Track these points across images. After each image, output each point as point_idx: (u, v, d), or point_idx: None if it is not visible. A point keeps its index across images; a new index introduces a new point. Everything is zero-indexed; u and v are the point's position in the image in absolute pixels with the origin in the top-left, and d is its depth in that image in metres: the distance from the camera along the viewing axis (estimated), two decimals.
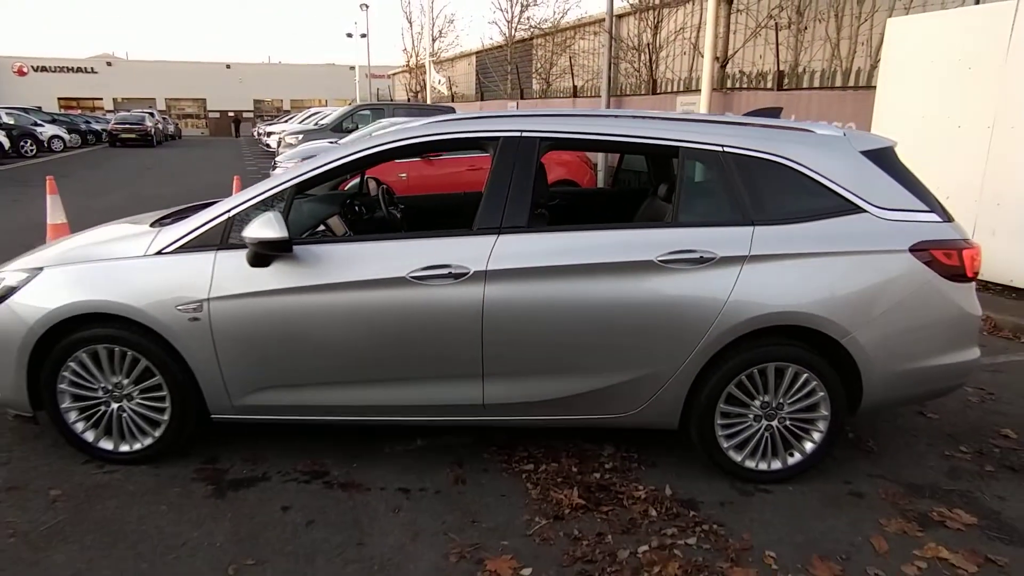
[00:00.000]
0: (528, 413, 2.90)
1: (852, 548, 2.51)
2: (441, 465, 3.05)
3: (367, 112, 14.63)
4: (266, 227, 2.61)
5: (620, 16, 12.52)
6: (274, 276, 2.75)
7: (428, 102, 18.92)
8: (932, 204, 2.92)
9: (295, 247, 2.75)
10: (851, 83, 7.63)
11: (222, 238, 2.82)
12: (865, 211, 2.84)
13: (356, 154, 2.95)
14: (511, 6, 16.92)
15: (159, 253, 2.83)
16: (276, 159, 10.69)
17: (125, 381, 2.88)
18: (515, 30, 17.01)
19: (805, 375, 2.83)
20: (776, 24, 8.32)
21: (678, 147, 2.90)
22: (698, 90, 10.17)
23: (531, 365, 2.81)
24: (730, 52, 9.71)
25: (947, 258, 2.82)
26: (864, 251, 2.79)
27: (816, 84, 8.03)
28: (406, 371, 2.82)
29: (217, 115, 45.49)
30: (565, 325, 2.76)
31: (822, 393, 2.85)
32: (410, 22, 25.89)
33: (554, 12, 21.22)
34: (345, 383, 2.85)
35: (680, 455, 3.13)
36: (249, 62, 49.38)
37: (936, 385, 2.99)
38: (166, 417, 2.91)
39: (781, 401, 2.87)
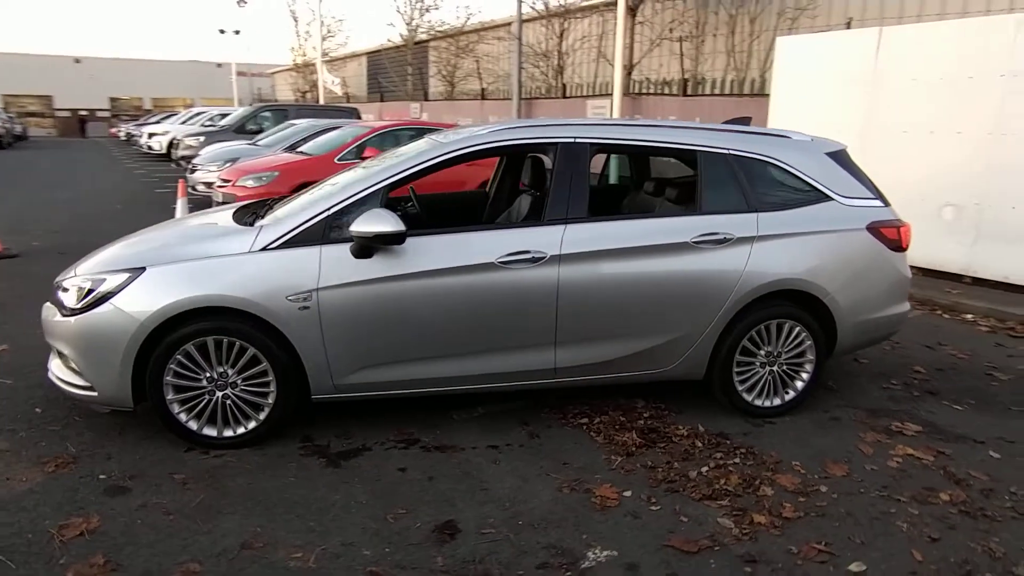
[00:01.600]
0: (590, 373, 3.47)
1: (848, 454, 3.32)
2: (511, 425, 3.53)
3: (268, 113, 14.37)
4: (384, 222, 2.98)
5: (525, 22, 13.24)
6: (376, 265, 3.12)
7: (321, 102, 18.71)
8: (876, 193, 3.83)
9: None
10: (748, 91, 8.83)
11: (324, 233, 3.13)
12: (833, 199, 3.68)
13: (439, 157, 3.38)
14: (410, 9, 17.20)
15: (264, 249, 3.10)
16: (194, 161, 10.36)
17: (231, 370, 3.11)
18: (415, 32, 17.28)
19: (797, 328, 3.62)
20: (680, 37, 9.40)
21: (696, 151, 3.59)
22: (606, 94, 11.13)
23: (594, 332, 3.39)
24: (634, 60, 10.71)
25: (891, 234, 3.73)
26: (835, 230, 3.63)
27: (717, 91, 9.18)
28: (493, 343, 3.30)
29: (68, 114, 41.21)
30: (621, 297, 3.36)
31: (809, 342, 3.66)
32: (296, 20, 25.26)
33: (456, 16, 21.59)
34: (439, 358, 3.27)
35: (697, 403, 3.82)
36: (102, 56, 45.28)
37: (884, 331, 3.91)
38: (270, 401, 3.17)
39: (780, 350, 3.65)
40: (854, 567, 2.48)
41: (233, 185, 8.21)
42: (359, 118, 14.64)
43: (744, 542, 2.61)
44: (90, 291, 3.04)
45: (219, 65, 38.95)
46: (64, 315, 3.10)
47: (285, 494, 2.85)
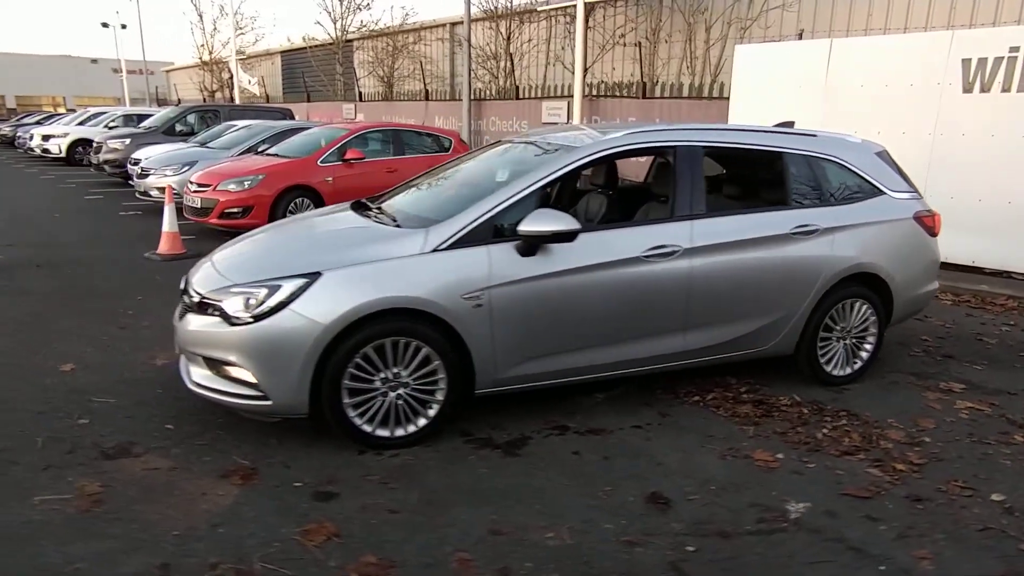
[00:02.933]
0: (709, 355, 3.83)
1: (925, 410, 3.89)
2: (636, 408, 3.82)
3: (193, 115, 13.62)
4: (560, 221, 3.17)
5: (462, 24, 13.38)
6: (539, 262, 3.30)
7: (236, 102, 17.82)
8: (912, 187, 4.45)
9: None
10: (705, 95, 9.55)
11: (489, 233, 3.27)
12: (885, 193, 4.26)
13: (585, 158, 3.58)
14: (340, 7, 16.76)
15: (435, 251, 3.19)
16: (143, 165, 9.68)
17: (405, 371, 3.18)
18: (345, 31, 16.87)
19: (865, 306, 4.17)
20: (638, 43, 9.97)
21: (783, 152, 4.04)
22: (561, 96, 11.56)
23: (716, 316, 3.75)
24: (588, 64, 11.20)
25: (929, 222, 4.37)
26: (890, 220, 4.21)
27: (676, 94, 9.85)
28: (636, 331, 3.57)
29: None
30: (736, 284, 3.75)
31: (873, 317, 4.22)
32: (200, 15, 23.67)
33: (392, 16, 21.00)
34: (589, 347, 3.50)
35: (773, 377, 4.26)
36: None
37: (922, 305, 4.56)
38: (439, 398, 3.27)
39: (851, 326, 4.18)
40: (995, 497, 2.99)
41: (214, 190, 7.84)
42: (293, 118, 14.20)
43: (899, 486, 3.06)
44: (267, 297, 3.01)
45: (94, 61, 35.70)
46: (235, 323, 3.03)
47: (489, 483, 2.99)
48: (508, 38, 12.20)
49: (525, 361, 3.39)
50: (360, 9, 16.58)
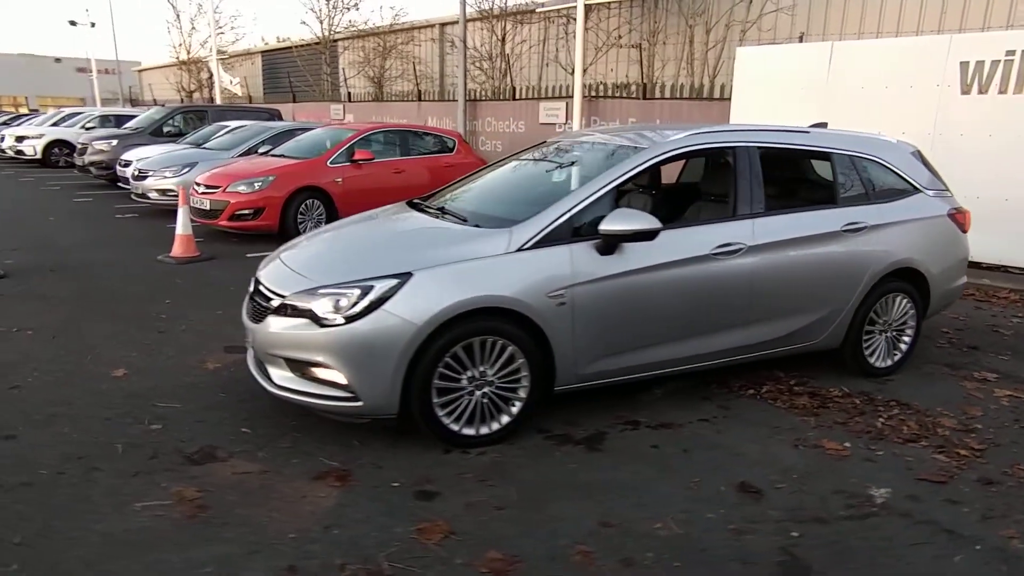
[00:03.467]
0: (767, 349, 3.94)
1: (967, 399, 4.06)
2: (696, 402, 3.90)
3: (180, 116, 13.37)
4: (642, 220, 3.23)
5: (453, 23, 13.38)
6: (617, 261, 3.36)
7: (218, 101, 17.46)
8: (944, 185, 4.64)
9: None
10: (705, 95, 9.73)
11: (570, 232, 3.32)
12: (921, 191, 4.43)
13: (655, 158, 3.66)
14: (327, 7, 16.56)
15: (520, 249, 3.23)
16: (140, 167, 9.46)
17: (491, 370, 3.20)
18: (332, 31, 16.67)
19: (906, 300, 4.33)
20: (639, 44, 10.12)
21: (831, 152, 4.17)
22: (559, 97, 11.64)
23: (775, 311, 3.86)
24: (585, 65, 11.31)
25: (961, 219, 4.55)
26: (928, 217, 4.37)
27: (676, 95, 10.01)
28: (704, 327, 3.66)
29: None
30: (794, 279, 3.87)
31: (912, 311, 4.38)
32: (178, 14, 23.07)
33: (381, 16, 20.64)
34: (661, 343, 3.57)
35: (816, 370, 4.40)
36: None
37: (953, 298, 4.74)
38: (522, 396, 3.30)
39: (892, 319, 4.33)
40: None
41: (224, 191, 7.71)
42: (280, 119, 14.03)
43: (967, 470, 3.21)
44: (360, 298, 3.01)
45: (58, 60, 34.59)
46: (326, 325, 3.02)
47: (582, 478, 3.04)
48: (503, 39, 12.23)
49: (602, 358, 3.45)
50: (348, 9, 16.40)
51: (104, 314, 5.20)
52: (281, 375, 3.22)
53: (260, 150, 9.47)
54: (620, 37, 10.91)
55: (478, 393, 3.22)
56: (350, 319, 3.00)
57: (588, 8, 9.92)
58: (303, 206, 7.99)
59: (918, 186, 4.43)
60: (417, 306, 3.02)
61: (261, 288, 3.44)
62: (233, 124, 11.34)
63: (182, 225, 6.98)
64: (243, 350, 4.48)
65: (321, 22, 16.56)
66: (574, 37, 11.93)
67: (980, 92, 7.49)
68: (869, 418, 3.74)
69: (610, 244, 3.33)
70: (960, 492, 3.01)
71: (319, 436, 3.32)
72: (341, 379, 3.06)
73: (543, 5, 10.78)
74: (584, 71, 11.42)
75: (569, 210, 3.36)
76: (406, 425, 3.21)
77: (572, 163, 4.10)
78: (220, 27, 18.01)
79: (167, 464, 3.04)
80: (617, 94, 10.68)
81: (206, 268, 6.80)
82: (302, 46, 17.49)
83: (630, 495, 2.92)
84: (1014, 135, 7.25)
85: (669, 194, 4.58)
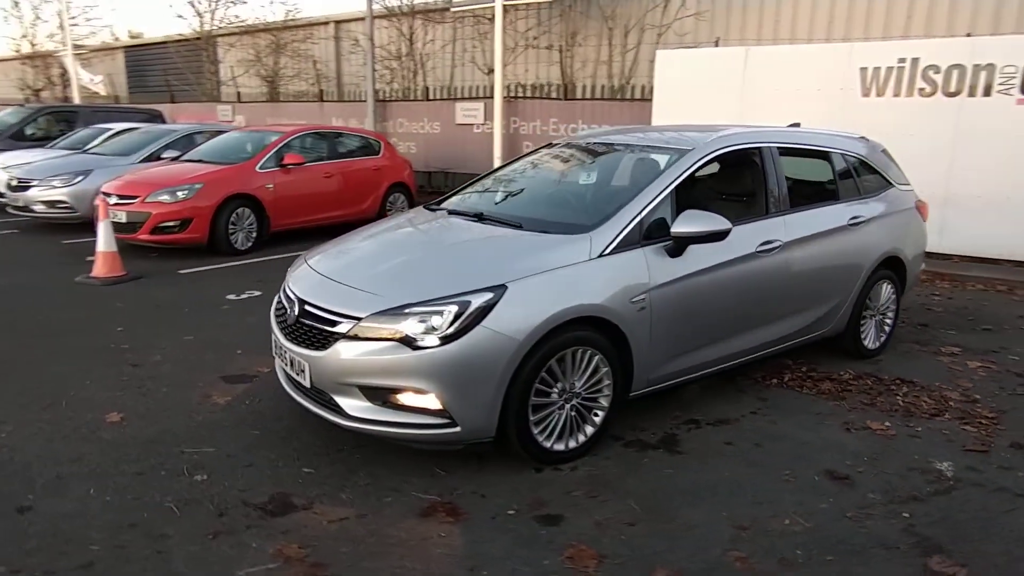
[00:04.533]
0: (791, 339, 4.14)
1: (951, 372, 4.49)
2: (736, 395, 4.02)
3: (44, 118, 11.77)
4: (714, 221, 3.25)
5: (351, 21, 12.84)
6: (684, 263, 3.37)
7: (76, 100, 15.44)
8: (907, 179, 5.10)
9: None
10: (627, 96, 10.05)
11: (640, 236, 3.27)
12: (894, 186, 4.85)
13: (701, 160, 3.68)
14: (209, 1, 15.11)
15: (602, 255, 3.13)
16: (19, 176, 8.16)
17: (578, 382, 3.09)
18: (214, 27, 15.27)
19: (890, 285, 4.72)
20: (560, 46, 10.22)
21: (830, 152, 4.45)
22: (474, 97, 11.52)
23: (801, 304, 4.06)
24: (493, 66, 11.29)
25: (923, 210, 5.04)
26: (903, 210, 4.80)
27: (597, 96, 10.25)
28: (750, 322, 3.77)
29: None
30: (815, 272, 4.09)
31: (894, 295, 4.78)
32: (16, 1, 19.86)
33: (273, 11, 18.78)
34: (716, 341, 3.63)
35: (814, 356, 4.68)
36: None
37: (917, 282, 5.23)
38: (605, 404, 3.22)
39: (881, 304, 4.70)
40: None
41: (143, 202, 6.86)
42: (163, 120, 12.77)
43: (996, 438, 3.55)
44: (458, 315, 2.77)
45: None
46: (419, 347, 2.76)
47: (684, 482, 3.02)
48: (411, 38, 11.88)
49: (670, 360, 3.44)
50: (233, 3, 15.04)
51: (51, 350, 4.44)
52: (357, 405, 2.91)
53: (164, 155, 8.54)
54: (536, 38, 10.99)
55: (567, 406, 3.11)
56: (447, 339, 2.76)
57: (504, 9, 9.87)
58: (234, 215, 7.30)
59: (892, 181, 4.84)
60: (516, 320, 2.84)
61: (311, 309, 3.07)
62: (117, 127, 10.15)
63: (104, 242, 6.12)
64: (245, 378, 4.04)
65: (201, 16, 15.18)
66: (486, 38, 11.89)
67: (877, 95, 8.34)
68: (888, 397, 4.04)
69: (681, 246, 3.33)
70: (1005, 458, 3.33)
71: (394, 468, 3.05)
72: (435, 404, 2.81)
73: (455, 4, 10.60)
74: (494, 72, 11.41)
75: (639, 214, 3.32)
76: (481, 447, 3.01)
77: (606, 166, 4.07)
78: (73, 17, 15.94)
79: (243, 520, 2.64)
80: (537, 95, 10.75)
81: (139, 289, 6.02)
82: (177, 41, 15.93)
83: (740, 494, 2.94)
84: (907, 135, 8.14)
85: (705, 195, 4.65)
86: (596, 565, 2.43)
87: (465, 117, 11.47)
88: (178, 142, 9.06)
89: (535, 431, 3.01)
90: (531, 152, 4.67)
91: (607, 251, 3.17)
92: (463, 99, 11.43)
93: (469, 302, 2.81)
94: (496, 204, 3.98)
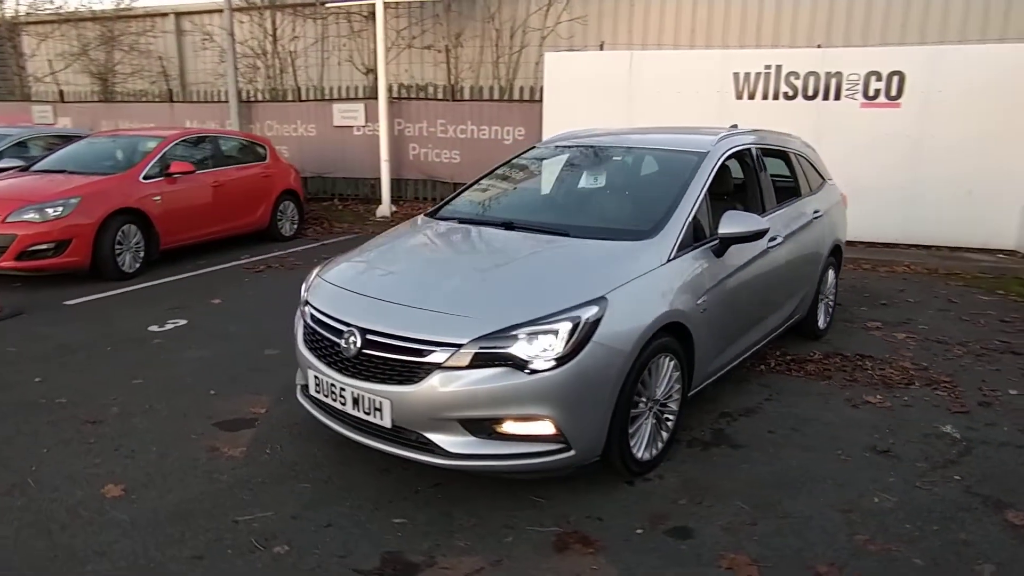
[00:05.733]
0: (783, 325, 4.43)
1: (890, 344, 5.07)
2: (742, 385, 4.21)
3: None
4: (755, 221, 3.37)
5: (196, 13, 11.57)
6: (726, 262, 3.46)
7: None
8: (830, 175, 5.68)
9: None
10: (516, 97, 10.11)
11: (691, 237, 3.30)
12: (827, 182, 5.38)
13: (719, 161, 3.76)
14: None
15: (670, 260, 3.12)
16: None
17: (659, 389, 3.05)
18: (16, 12, 12.73)
19: (832, 270, 5.24)
20: (446, 46, 9.98)
21: (789, 151, 4.81)
22: (351, 98, 10.94)
23: (791, 292, 4.39)
24: (374, 66, 10.86)
25: (845, 201, 5.64)
26: (837, 202, 5.34)
27: (484, 97, 10.18)
28: (765, 312, 4.01)
29: None
30: (799, 261, 4.43)
31: (835, 278, 5.31)
32: None
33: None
34: (738, 337, 3.77)
35: (782, 342, 5.06)
36: None
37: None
38: (675, 408, 3.22)
39: (828, 288, 5.20)
40: (1011, 391, 4.20)
41: (4, 222, 5.62)
42: None
43: (962, 397, 4.07)
44: (572, 332, 2.60)
45: None
46: (536, 369, 2.55)
47: (762, 473, 3.13)
48: (275, 34, 10.92)
49: (714, 358, 3.53)
50: None
51: None
52: (459, 441, 2.63)
53: (53, 168, 7.02)
54: (415, 38, 10.66)
55: (650, 415, 3.06)
56: (562, 359, 2.59)
57: (373, 7, 9.52)
58: (120, 233, 6.25)
59: (825, 176, 5.37)
60: (622, 333, 2.74)
61: (381, 339, 2.71)
62: None
63: None
64: (243, 423, 3.52)
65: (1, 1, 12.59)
66: (360, 36, 11.33)
67: (749, 98, 9.18)
68: (862, 372, 4.47)
69: (725, 247, 3.42)
70: (985, 416, 3.83)
71: (488, 504, 2.81)
72: (549, 429, 2.63)
73: (323, 2, 9.97)
74: (373, 72, 10.94)
75: (688, 216, 3.35)
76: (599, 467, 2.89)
77: (624, 170, 4.07)
78: None
79: None
80: (422, 96, 10.45)
81: (25, 327, 4.94)
82: None
83: (820, 480, 3.09)
84: None
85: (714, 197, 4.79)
86: (757, 572, 2.43)
87: (344, 119, 10.84)
88: (9, 150, 7.58)
89: (632, 443, 2.93)
90: (517, 156, 4.52)
91: (672, 255, 3.18)
92: (341, 100, 10.78)
93: (579, 317, 2.66)
94: (520, 212, 3.80)
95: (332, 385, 2.86)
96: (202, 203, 7.28)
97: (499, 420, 2.63)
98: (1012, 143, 8.17)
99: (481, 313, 2.71)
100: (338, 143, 10.87)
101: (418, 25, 10.89)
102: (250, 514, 2.70)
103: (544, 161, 4.34)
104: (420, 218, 3.97)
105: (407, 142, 10.67)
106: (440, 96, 10.33)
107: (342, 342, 2.82)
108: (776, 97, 9.08)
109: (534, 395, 2.59)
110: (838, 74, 8.79)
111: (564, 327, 2.63)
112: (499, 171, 4.38)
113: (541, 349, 2.60)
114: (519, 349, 2.59)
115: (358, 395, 2.76)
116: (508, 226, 3.53)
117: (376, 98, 10.27)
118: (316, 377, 2.95)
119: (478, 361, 2.59)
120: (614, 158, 4.19)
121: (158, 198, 6.70)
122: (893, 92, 8.59)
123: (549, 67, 9.77)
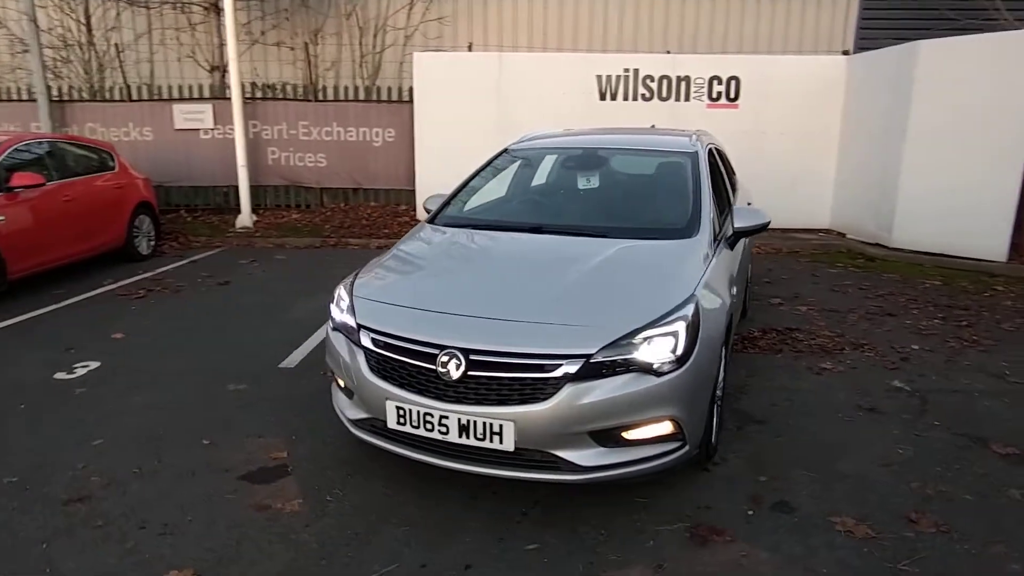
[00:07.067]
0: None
1: (803, 317, 5.80)
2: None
3: None
4: (763, 216, 3.65)
5: None
6: (733, 253, 3.71)
7: None
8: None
9: None
10: (384, 98, 9.74)
11: (716, 232, 3.49)
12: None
13: (706, 161, 4.00)
14: None
15: (711, 255, 3.28)
16: None
17: (719, 376, 3.20)
18: None
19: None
20: (306, 44, 9.24)
21: (722, 149, 5.24)
22: (195, 98, 9.78)
23: (744, 279, 4.78)
24: (222, 63, 9.87)
25: None
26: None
27: (348, 97, 9.66)
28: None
29: None
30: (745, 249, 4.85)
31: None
32: None
33: None
34: None
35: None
36: None
37: None
38: (720, 394, 3.37)
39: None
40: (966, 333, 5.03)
41: None
42: None
43: (888, 356, 4.79)
44: (687, 331, 2.63)
45: None
46: (663, 371, 2.55)
47: (803, 443, 3.43)
48: (88, 24, 9.25)
49: None
50: None
51: None
52: (588, 454, 2.55)
53: None
54: (263, 33, 9.75)
55: (718, 402, 3.21)
56: (682, 358, 2.62)
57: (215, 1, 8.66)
58: None
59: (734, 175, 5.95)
60: (712, 327, 2.85)
61: (488, 359, 2.53)
62: None
63: None
64: (273, 473, 3.08)
65: None
66: (198, 29, 10.14)
67: (611, 99, 9.80)
68: (801, 343, 5.05)
69: (737, 239, 3.68)
70: (915, 368, 4.55)
71: (602, 512, 2.77)
72: (668, 429, 2.66)
73: None
74: (216, 69, 9.90)
75: (712, 213, 3.55)
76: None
77: (626, 170, 4.15)
78: None
79: None
80: (280, 95, 9.64)
81: None
82: None
83: (844, 441, 3.46)
84: None
85: None
86: (868, 529, 2.69)
87: (188, 121, 9.59)
88: None
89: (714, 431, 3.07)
90: (496, 158, 4.40)
91: (711, 251, 3.35)
92: (183, 100, 9.54)
93: (687, 316, 2.72)
94: (541, 216, 3.73)
95: (427, 415, 2.60)
96: (54, 221, 6.07)
97: (627, 427, 2.61)
98: (821, 138, 9.67)
99: (596, 321, 2.65)
100: (182, 148, 9.62)
101: (265, 20, 10.01)
102: (375, 572, 2.38)
103: (535, 163, 4.31)
104: (429, 227, 3.73)
105: (265, 146, 9.77)
106: (300, 96, 9.62)
107: (437, 367, 2.59)
108: (636, 98, 9.78)
109: (663, 397, 2.60)
110: (687, 78, 9.70)
111: (681, 327, 2.67)
112: (484, 174, 4.26)
113: (664, 351, 2.61)
114: (642, 353, 2.58)
115: (467, 421, 2.55)
116: (537, 230, 3.47)
117: (226, 98, 9.29)
118: (399, 408, 2.66)
119: (607, 370, 2.54)
120: (609, 160, 4.28)
121: (2, 218, 5.47)
122: (732, 94, 9.72)
123: (419, 67, 9.57)
